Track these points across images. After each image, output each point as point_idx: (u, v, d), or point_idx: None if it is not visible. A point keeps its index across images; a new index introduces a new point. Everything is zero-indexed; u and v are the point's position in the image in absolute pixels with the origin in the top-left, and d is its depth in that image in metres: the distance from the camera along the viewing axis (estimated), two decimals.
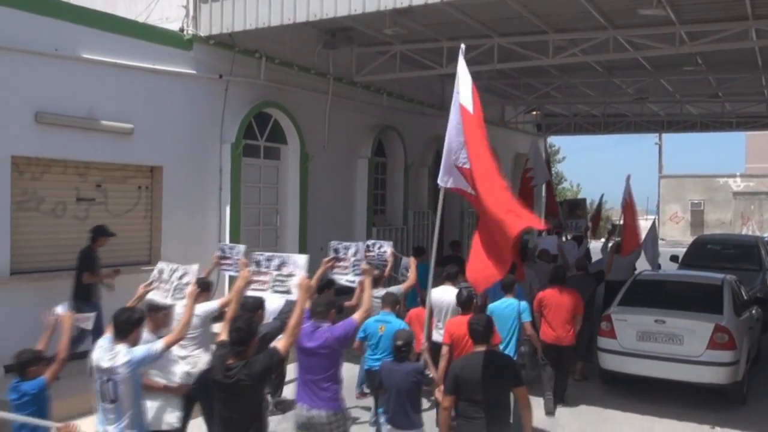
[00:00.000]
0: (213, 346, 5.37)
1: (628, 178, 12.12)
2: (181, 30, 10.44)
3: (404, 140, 15.43)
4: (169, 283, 6.25)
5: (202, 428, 6.35)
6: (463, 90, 6.07)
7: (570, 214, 18.46)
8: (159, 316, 5.50)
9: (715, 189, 43.31)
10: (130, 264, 9.61)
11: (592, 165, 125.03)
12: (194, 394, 5.87)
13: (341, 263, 7.30)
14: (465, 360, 5.41)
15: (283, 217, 12.44)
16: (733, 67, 15.09)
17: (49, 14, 8.63)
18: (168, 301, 5.88)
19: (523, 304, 7.79)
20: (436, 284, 7.29)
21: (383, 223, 14.93)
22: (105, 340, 4.91)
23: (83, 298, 8.16)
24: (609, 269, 10.86)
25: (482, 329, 5.35)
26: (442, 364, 6.49)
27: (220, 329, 5.18)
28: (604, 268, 11.02)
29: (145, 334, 5.16)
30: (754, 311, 10.02)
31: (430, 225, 16.15)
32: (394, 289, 7.75)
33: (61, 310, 5.28)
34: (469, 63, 6.28)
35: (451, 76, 6.82)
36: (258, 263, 6.21)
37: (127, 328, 4.84)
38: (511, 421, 5.39)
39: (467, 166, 5.90)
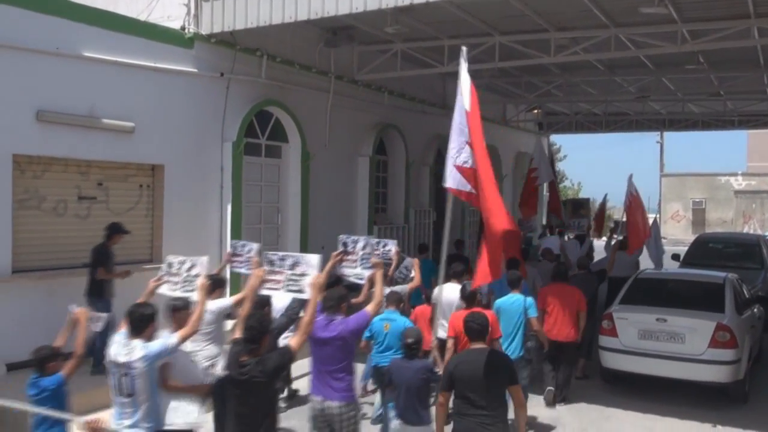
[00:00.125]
0: (226, 346, 5.39)
1: (630, 178, 12.11)
2: (183, 28, 10.43)
3: (405, 138, 15.42)
4: (178, 276, 6.28)
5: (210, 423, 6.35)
6: (465, 91, 6.19)
7: (573, 213, 18.50)
8: (181, 315, 5.49)
9: (717, 187, 43.32)
10: (132, 262, 9.59)
11: (594, 163, 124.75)
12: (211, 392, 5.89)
13: (349, 257, 7.30)
14: (460, 357, 5.44)
15: (285, 215, 12.43)
16: (734, 65, 15.08)
17: (50, 12, 8.63)
18: (178, 293, 5.89)
19: (530, 299, 7.82)
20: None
21: (384, 222, 14.92)
22: (120, 335, 4.94)
23: (97, 294, 8.22)
24: (611, 267, 10.85)
25: (477, 327, 5.36)
26: (447, 356, 6.62)
27: (233, 326, 5.20)
28: (606, 266, 11.02)
29: (167, 334, 5.15)
30: (755, 310, 10.01)
31: (431, 223, 16.17)
32: (398, 288, 7.79)
33: (74, 307, 5.30)
34: (471, 61, 6.35)
35: (453, 75, 6.88)
36: (272, 262, 6.21)
37: (141, 325, 4.86)
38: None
39: (468, 165, 6.03)
